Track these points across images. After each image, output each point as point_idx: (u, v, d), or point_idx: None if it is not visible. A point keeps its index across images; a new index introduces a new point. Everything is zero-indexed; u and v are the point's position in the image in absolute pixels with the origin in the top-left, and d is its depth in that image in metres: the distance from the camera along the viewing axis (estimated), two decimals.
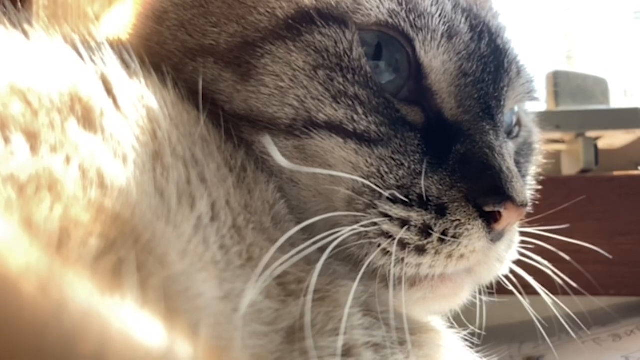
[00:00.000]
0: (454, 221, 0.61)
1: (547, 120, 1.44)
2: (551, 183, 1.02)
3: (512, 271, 0.75)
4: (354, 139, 0.61)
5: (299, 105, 0.61)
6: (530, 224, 0.78)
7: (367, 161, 0.61)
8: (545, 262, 0.77)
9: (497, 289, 0.81)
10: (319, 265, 0.53)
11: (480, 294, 0.73)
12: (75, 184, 0.42)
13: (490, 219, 0.62)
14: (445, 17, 0.65)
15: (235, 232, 0.52)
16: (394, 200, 0.60)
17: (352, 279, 0.58)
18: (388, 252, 0.60)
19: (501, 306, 1.02)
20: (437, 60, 0.65)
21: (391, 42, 0.63)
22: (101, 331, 0.29)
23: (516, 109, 0.79)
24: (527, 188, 0.76)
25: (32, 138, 0.43)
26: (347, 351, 0.53)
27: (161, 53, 0.64)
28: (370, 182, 0.61)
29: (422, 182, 0.61)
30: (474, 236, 0.61)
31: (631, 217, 1.18)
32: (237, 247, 0.51)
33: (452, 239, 0.60)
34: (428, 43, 0.64)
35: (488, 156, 0.63)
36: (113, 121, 0.49)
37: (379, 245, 0.60)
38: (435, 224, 0.60)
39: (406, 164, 0.62)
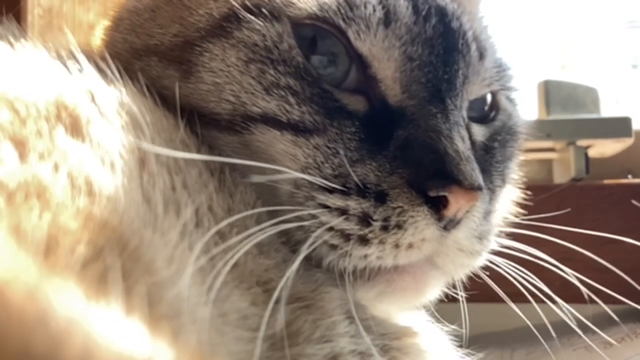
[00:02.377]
0: (395, 208, 0.59)
1: (539, 129, 1.45)
2: (542, 191, 1.03)
3: (502, 278, 0.75)
4: (289, 129, 0.61)
5: (235, 100, 0.61)
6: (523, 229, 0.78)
7: (304, 152, 0.61)
8: (549, 264, 0.76)
9: (489, 295, 0.81)
10: (292, 268, 0.53)
11: (464, 300, 0.74)
12: (64, 192, 0.42)
13: (439, 205, 0.59)
14: (381, 3, 0.64)
15: (219, 239, 0.52)
16: (331, 190, 0.59)
17: (335, 286, 0.58)
18: (334, 245, 0.59)
19: (493, 313, 1.03)
20: (376, 48, 0.64)
21: (326, 34, 0.63)
22: (86, 338, 0.29)
23: (488, 96, 0.76)
24: (497, 172, 0.73)
25: (21, 146, 0.43)
26: (333, 359, 0.54)
27: (112, 55, 0.65)
28: (308, 173, 0.59)
29: (348, 167, 0.59)
30: (421, 223, 0.59)
31: (622, 225, 1.19)
32: (220, 254, 0.51)
33: (396, 228, 0.58)
34: (363, 32, 0.63)
35: (432, 139, 0.61)
36: (99, 129, 0.49)
37: (324, 239, 0.58)
38: (374, 212, 0.58)
39: (342, 152, 0.61)
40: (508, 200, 0.82)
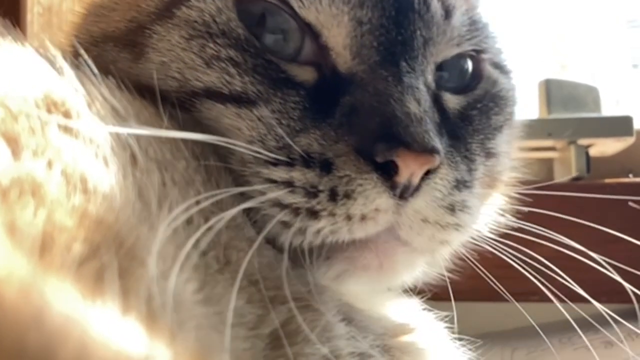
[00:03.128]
0: (342, 177, 0.56)
1: (539, 128, 1.45)
2: (543, 190, 1.03)
3: (503, 277, 0.74)
4: (232, 102, 0.60)
5: (180, 76, 0.61)
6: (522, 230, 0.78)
7: (248, 124, 0.59)
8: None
9: (490, 295, 0.81)
10: (251, 250, 0.52)
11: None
12: (59, 189, 0.41)
13: (390, 172, 0.55)
14: None
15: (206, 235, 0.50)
16: (275, 163, 0.57)
17: (329, 288, 0.58)
18: (286, 222, 0.56)
19: (493, 312, 1.03)
20: (323, 16, 0.62)
21: (273, 10, 0.62)
22: (82, 337, 0.29)
23: (469, 62, 0.73)
24: (476, 141, 0.69)
25: (13, 143, 0.43)
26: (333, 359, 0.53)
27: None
28: (253, 147, 0.58)
29: (285, 136, 0.57)
30: (371, 192, 0.56)
31: (623, 224, 1.18)
32: (212, 252, 0.50)
33: (345, 198, 0.55)
34: (306, 1, 0.61)
35: (380, 102, 0.58)
36: (89, 124, 0.49)
37: (277, 218, 0.56)
38: (319, 182, 0.56)
39: (285, 122, 0.59)
40: (507, 174, 0.80)
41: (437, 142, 0.57)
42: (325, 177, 0.56)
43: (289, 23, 0.62)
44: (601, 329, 0.89)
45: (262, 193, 0.56)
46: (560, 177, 1.53)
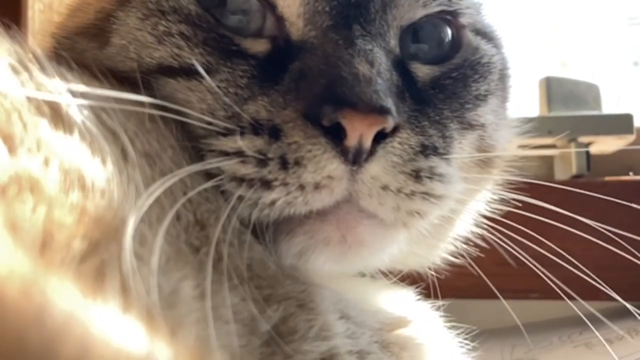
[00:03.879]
0: (291, 144, 0.54)
1: (540, 125, 1.44)
2: (543, 188, 1.03)
3: (503, 275, 0.74)
4: (183, 75, 0.60)
5: (137, 56, 0.62)
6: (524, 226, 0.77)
7: (198, 96, 0.59)
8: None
9: (488, 293, 0.81)
10: (221, 221, 0.51)
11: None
12: (57, 186, 0.42)
13: (340, 136, 0.53)
14: None
15: (199, 229, 0.51)
16: (225, 134, 0.56)
17: (323, 286, 0.58)
18: (242, 197, 0.55)
19: (493, 310, 1.03)
20: None
21: None
22: (83, 335, 0.29)
23: (447, 31, 0.70)
24: (450, 108, 0.66)
25: (9, 140, 0.43)
26: (331, 357, 0.53)
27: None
28: (203, 119, 0.57)
29: (232, 104, 0.57)
30: (321, 158, 0.54)
31: (623, 222, 1.18)
32: (205, 248, 0.50)
33: (296, 165, 0.54)
34: None
35: (328, 65, 0.56)
36: (80, 119, 0.49)
37: (236, 193, 0.55)
38: (269, 150, 0.54)
39: (232, 91, 0.58)
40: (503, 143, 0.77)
41: (389, 103, 0.55)
42: (274, 144, 0.55)
43: (250, 3, 0.62)
44: (611, 323, 0.89)
45: (221, 170, 0.55)
46: (561, 175, 1.53)
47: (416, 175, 0.58)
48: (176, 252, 0.47)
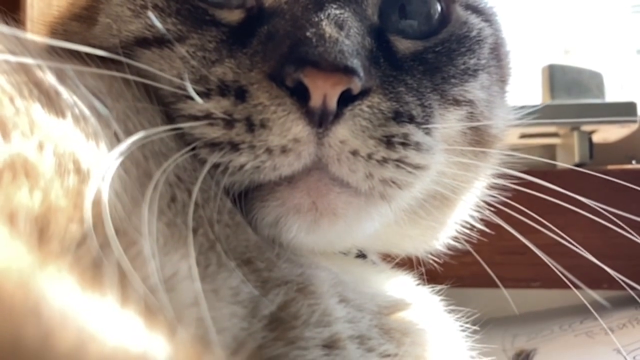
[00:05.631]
0: (256, 105, 0.54)
1: (543, 113, 1.44)
2: (545, 176, 1.02)
3: (504, 264, 0.74)
4: (156, 45, 0.61)
5: (117, 32, 0.63)
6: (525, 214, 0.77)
7: (170, 64, 0.59)
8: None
9: (490, 281, 0.81)
10: (200, 178, 0.51)
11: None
12: (52, 170, 0.41)
13: (305, 96, 0.53)
14: None
15: (195, 210, 0.50)
16: (192, 98, 0.55)
17: (321, 268, 0.57)
18: (216, 165, 0.55)
19: (494, 298, 1.03)
20: None
21: None
22: (80, 331, 0.28)
23: (437, 5, 0.69)
24: (431, 81, 0.65)
25: (2, 125, 0.42)
26: (333, 343, 0.52)
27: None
28: (173, 82, 0.57)
29: (196, 64, 0.57)
30: (287, 119, 0.53)
31: (625, 211, 1.18)
32: (201, 229, 0.50)
33: (262, 128, 0.53)
34: None
35: (294, 27, 0.56)
36: (71, 102, 0.48)
37: (209, 160, 0.54)
38: (234, 111, 0.54)
39: (200, 54, 0.59)
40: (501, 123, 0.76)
41: (356, 64, 0.54)
42: (240, 105, 0.54)
43: None
44: (595, 316, 0.89)
45: (194, 136, 0.55)
46: (563, 163, 1.52)
47: (387, 141, 0.56)
48: (173, 234, 0.47)
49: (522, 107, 0.86)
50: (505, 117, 0.78)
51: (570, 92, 1.48)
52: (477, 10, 0.75)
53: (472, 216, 0.80)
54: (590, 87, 1.50)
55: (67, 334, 0.28)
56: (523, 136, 1.38)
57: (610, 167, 1.37)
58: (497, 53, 0.76)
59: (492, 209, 0.75)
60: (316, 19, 0.56)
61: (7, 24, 0.55)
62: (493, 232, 0.77)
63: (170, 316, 0.36)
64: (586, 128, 1.46)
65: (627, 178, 1.31)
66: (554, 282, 0.81)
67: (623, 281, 0.74)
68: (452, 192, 0.67)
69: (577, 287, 0.77)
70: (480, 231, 0.81)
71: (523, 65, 0.84)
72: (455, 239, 0.80)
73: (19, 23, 0.62)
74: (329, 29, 0.55)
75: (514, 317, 1.24)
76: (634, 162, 1.49)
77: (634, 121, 1.44)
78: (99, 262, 0.37)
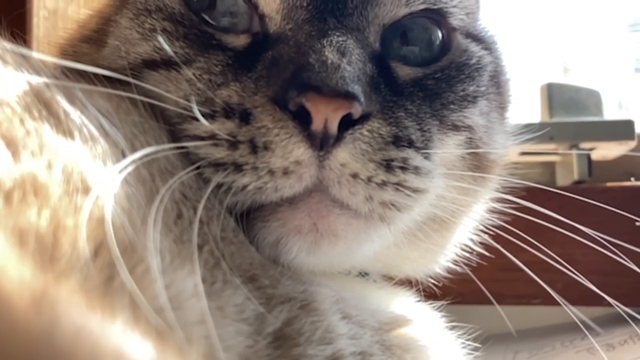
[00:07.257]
0: (260, 127, 0.56)
1: (541, 131, 1.45)
2: (545, 194, 1.03)
3: (504, 280, 0.74)
4: (163, 67, 0.62)
5: (125, 54, 0.65)
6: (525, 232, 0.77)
7: (176, 86, 0.61)
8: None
9: (492, 298, 0.81)
10: (205, 196, 0.53)
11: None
12: (61, 189, 0.42)
13: (307, 120, 0.54)
14: None
15: (200, 227, 0.51)
16: (199, 119, 0.57)
17: (323, 285, 0.58)
18: (220, 184, 0.56)
19: (495, 315, 1.03)
20: None
21: None
22: (93, 352, 0.29)
23: (437, 33, 0.71)
24: (430, 107, 0.66)
25: (12, 145, 0.43)
26: None
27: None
28: (179, 103, 0.59)
29: (203, 87, 0.59)
30: (289, 142, 0.55)
31: (624, 228, 1.18)
32: (207, 246, 0.51)
33: (264, 150, 0.55)
34: None
35: (298, 53, 0.58)
36: (79, 122, 0.49)
37: (214, 180, 0.56)
38: (239, 132, 0.56)
39: (206, 77, 0.60)
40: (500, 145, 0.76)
41: (357, 90, 0.56)
42: (244, 127, 0.56)
43: (238, 5, 0.65)
44: (596, 333, 0.89)
45: (200, 157, 0.57)
46: (562, 180, 1.53)
47: (387, 165, 0.58)
48: (180, 250, 0.47)
49: (523, 126, 0.87)
50: (504, 144, 0.79)
51: (569, 110, 1.49)
52: (477, 39, 0.76)
53: (471, 239, 0.80)
54: (589, 105, 1.50)
55: (80, 355, 0.28)
56: (523, 154, 1.38)
57: (609, 184, 1.38)
58: (497, 80, 0.77)
59: (490, 232, 0.76)
60: (319, 46, 0.58)
61: (17, 44, 0.57)
62: (493, 256, 0.77)
63: (180, 336, 0.37)
64: (585, 146, 1.46)
65: (626, 195, 1.32)
66: (555, 300, 0.81)
67: (620, 299, 0.75)
68: (451, 215, 0.69)
69: (577, 304, 0.77)
70: (481, 249, 0.81)
71: (522, 83, 0.85)
72: (455, 262, 0.80)
73: (26, 43, 0.64)
74: (331, 55, 0.57)
75: (515, 333, 1.24)
76: (632, 179, 1.49)
77: (632, 139, 1.44)
78: (109, 281, 0.38)
